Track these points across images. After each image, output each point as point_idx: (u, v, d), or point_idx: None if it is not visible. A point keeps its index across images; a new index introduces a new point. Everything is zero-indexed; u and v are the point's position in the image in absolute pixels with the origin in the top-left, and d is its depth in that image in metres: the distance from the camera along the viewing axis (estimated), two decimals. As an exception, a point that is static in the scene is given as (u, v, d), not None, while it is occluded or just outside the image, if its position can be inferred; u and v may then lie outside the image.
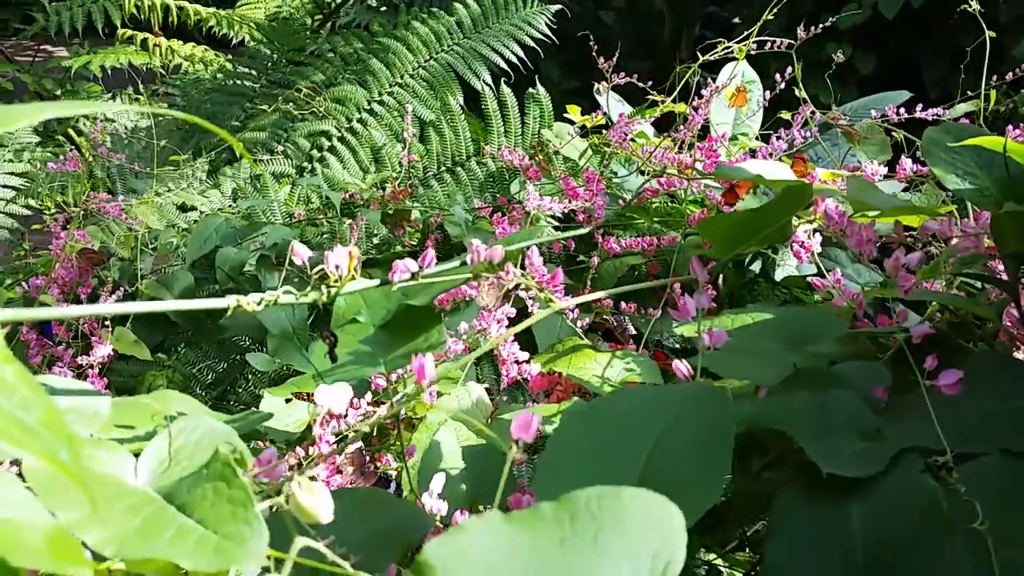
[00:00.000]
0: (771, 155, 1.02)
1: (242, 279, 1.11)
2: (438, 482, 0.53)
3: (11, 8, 4.51)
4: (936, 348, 0.49)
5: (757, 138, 1.28)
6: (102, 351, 0.90)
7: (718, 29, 3.38)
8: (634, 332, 0.90)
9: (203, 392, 1.22)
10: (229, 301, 0.41)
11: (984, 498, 0.39)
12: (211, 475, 0.30)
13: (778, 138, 1.05)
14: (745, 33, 1.10)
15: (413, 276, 0.48)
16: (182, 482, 0.31)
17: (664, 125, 1.15)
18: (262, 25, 2.20)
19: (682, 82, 1.14)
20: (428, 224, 1.22)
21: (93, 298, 1.08)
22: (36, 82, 2.50)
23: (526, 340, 0.79)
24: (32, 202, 1.79)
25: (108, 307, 0.38)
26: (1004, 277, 0.57)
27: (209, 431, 0.34)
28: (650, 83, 1.21)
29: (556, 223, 1.13)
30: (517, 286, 0.53)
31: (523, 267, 0.58)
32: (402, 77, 1.78)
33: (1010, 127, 0.90)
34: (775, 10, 1.04)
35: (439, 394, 0.67)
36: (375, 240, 1.27)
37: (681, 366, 0.49)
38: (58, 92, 2.51)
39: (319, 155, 1.71)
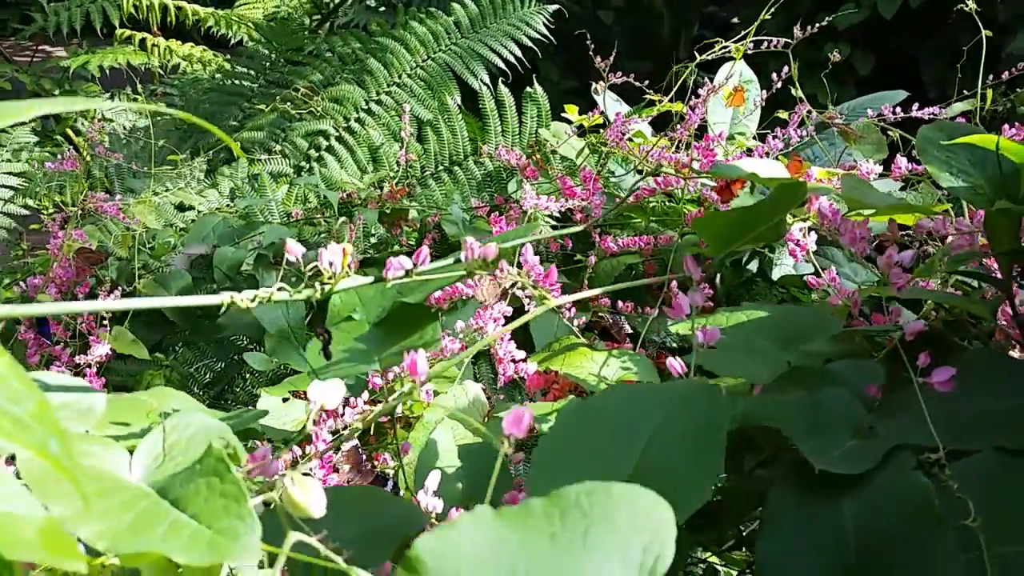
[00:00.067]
0: (767, 154, 1.02)
1: (239, 278, 1.11)
2: (433, 480, 0.53)
3: (10, 8, 4.51)
4: (931, 346, 0.49)
5: (754, 137, 1.28)
6: (100, 350, 0.90)
7: (717, 29, 3.38)
8: (630, 331, 0.90)
9: (201, 391, 1.22)
10: (223, 298, 0.41)
11: (976, 495, 0.40)
12: (204, 470, 0.30)
13: (774, 137, 1.05)
14: (742, 33, 1.10)
15: (407, 273, 0.48)
16: (176, 477, 0.31)
17: (662, 124, 1.16)
18: (260, 25, 2.20)
19: (679, 82, 1.14)
20: (425, 223, 1.22)
21: (91, 297, 1.08)
22: (34, 82, 2.50)
23: (523, 339, 0.79)
24: (30, 202, 1.79)
25: (104, 303, 0.38)
26: (998, 275, 0.57)
27: (203, 427, 0.34)
28: (647, 82, 1.21)
29: (554, 222, 1.13)
30: (514, 284, 0.53)
31: (519, 265, 0.58)
32: (400, 77, 1.78)
33: (1006, 126, 0.90)
34: (774, 10, 1.04)
35: (436, 393, 0.67)
36: (372, 239, 1.28)
37: (675, 363, 0.49)
38: (56, 92, 2.51)
39: (317, 155, 1.71)
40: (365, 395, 0.65)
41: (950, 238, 0.60)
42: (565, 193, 1.05)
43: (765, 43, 1.12)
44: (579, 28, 1.39)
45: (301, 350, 0.75)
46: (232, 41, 2.58)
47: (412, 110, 1.64)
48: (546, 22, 1.90)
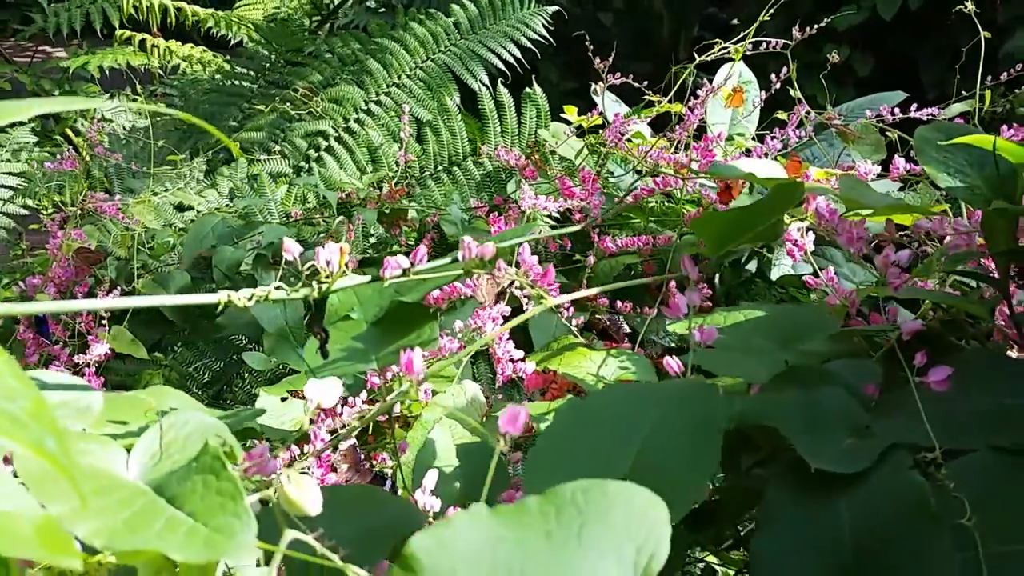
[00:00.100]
0: (766, 154, 1.02)
1: (239, 278, 1.12)
2: (431, 479, 0.53)
3: (10, 9, 4.52)
4: (928, 346, 0.49)
5: (753, 138, 1.29)
6: (99, 349, 0.90)
7: (717, 30, 3.38)
8: (629, 331, 0.90)
9: (199, 391, 1.22)
10: (220, 296, 0.41)
11: (972, 494, 0.40)
12: (200, 468, 0.30)
13: (773, 138, 1.05)
14: (742, 34, 1.10)
15: (404, 272, 0.48)
16: (172, 475, 0.31)
17: (662, 125, 1.16)
18: (260, 26, 2.20)
19: (678, 83, 1.14)
20: (424, 224, 1.22)
21: (90, 297, 1.08)
22: (34, 82, 2.50)
23: (522, 339, 0.79)
24: (29, 202, 1.79)
25: (103, 302, 0.38)
26: (996, 275, 0.57)
27: (200, 425, 0.34)
28: (646, 83, 1.21)
29: (553, 223, 1.13)
30: (512, 283, 0.53)
31: (517, 265, 0.58)
32: (399, 78, 1.78)
33: (1004, 127, 0.91)
34: (774, 11, 1.04)
35: (434, 392, 0.67)
36: (372, 240, 1.28)
37: (672, 362, 0.50)
38: (56, 92, 2.51)
39: (316, 155, 1.71)
40: (363, 395, 0.65)
41: (948, 238, 0.60)
42: (564, 193, 1.05)
43: (765, 44, 1.12)
44: (579, 29, 1.39)
45: (299, 350, 0.75)
46: (232, 42, 2.59)
47: (411, 111, 1.65)
48: (545, 23, 1.90)
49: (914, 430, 0.44)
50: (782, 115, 1.17)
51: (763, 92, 1.23)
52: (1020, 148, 0.51)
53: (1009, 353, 0.58)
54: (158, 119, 1.94)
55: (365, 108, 1.75)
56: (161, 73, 2.52)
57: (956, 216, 0.65)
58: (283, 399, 0.72)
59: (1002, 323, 0.58)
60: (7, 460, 0.35)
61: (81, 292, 1.08)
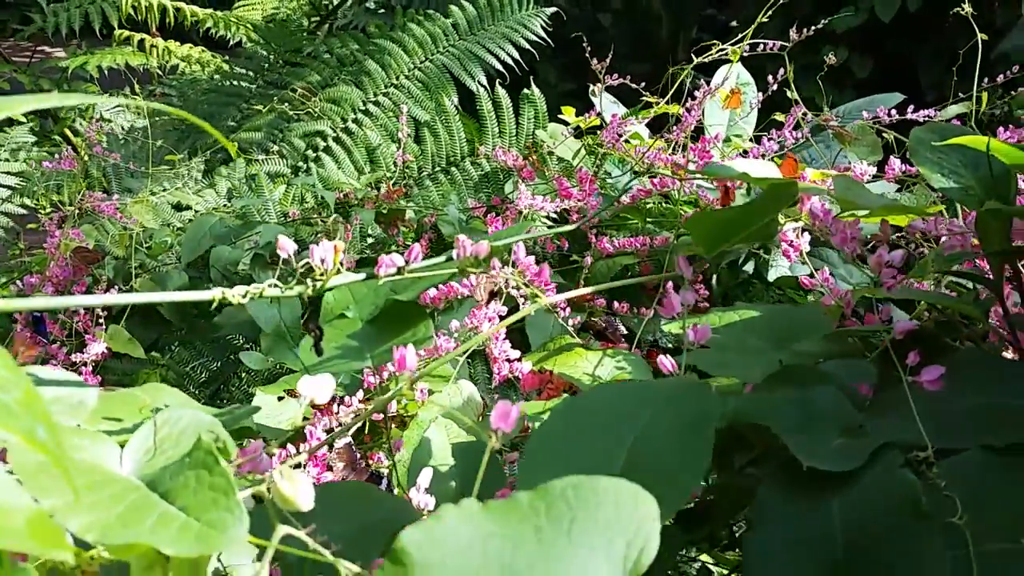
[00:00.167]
0: (763, 156, 1.02)
1: (236, 278, 1.12)
2: (425, 477, 0.53)
3: (9, 9, 4.52)
4: (922, 346, 0.49)
5: (751, 140, 1.29)
6: (96, 348, 0.91)
7: (715, 32, 3.38)
8: (626, 332, 0.91)
9: (196, 390, 1.22)
10: (215, 293, 0.41)
11: (964, 493, 0.40)
12: (193, 463, 0.30)
13: (769, 139, 1.05)
14: (740, 35, 1.10)
15: (399, 271, 0.48)
16: (166, 470, 0.31)
17: (660, 127, 1.16)
18: (259, 26, 2.20)
19: (676, 84, 1.14)
20: (422, 224, 1.22)
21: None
22: (33, 82, 2.50)
23: (519, 340, 0.79)
24: (28, 201, 1.79)
25: (99, 298, 0.38)
26: (990, 276, 0.58)
27: (194, 422, 0.34)
28: (643, 84, 1.21)
29: (551, 223, 1.13)
30: (507, 282, 0.53)
31: (513, 264, 0.58)
32: (398, 78, 1.79)
33: (1001, 129, 0.91)
34: (772, 13, 1.04)
35: (431, 392, 0.67)
36: (369, 240, 1.28)
37: (665, 361, 0.50)
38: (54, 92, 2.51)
39: (314, 155, 1.71)
40: (360, 394, 0.65)
41: (943, 239, 0.61)
42: (561, 194, 1.05)
43: (762, 46, 1.12)
44: (577, 31, 1.39)
45: (296, 349, 0.75)
46: (231, 42, 2.59)
47: (410, 111, 1.65)
48: (544, 25, 1.90)
49: (906, 429, 0.44)
50: (780, 117, 1.17)
51: (761, 94, 1.23)
52: (1014, 149, 0.52)
53: (1004, 354, 0.58)
54: (156, 119, 1.94)
55: (363, 108, 1.75)
56: (160, 73, 2.52)
57: (952, 217, 0.65)
58: (279, 398, 0.72)
59: (996, 324, 0.58)
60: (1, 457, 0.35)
61: (79, 291, 1.08)
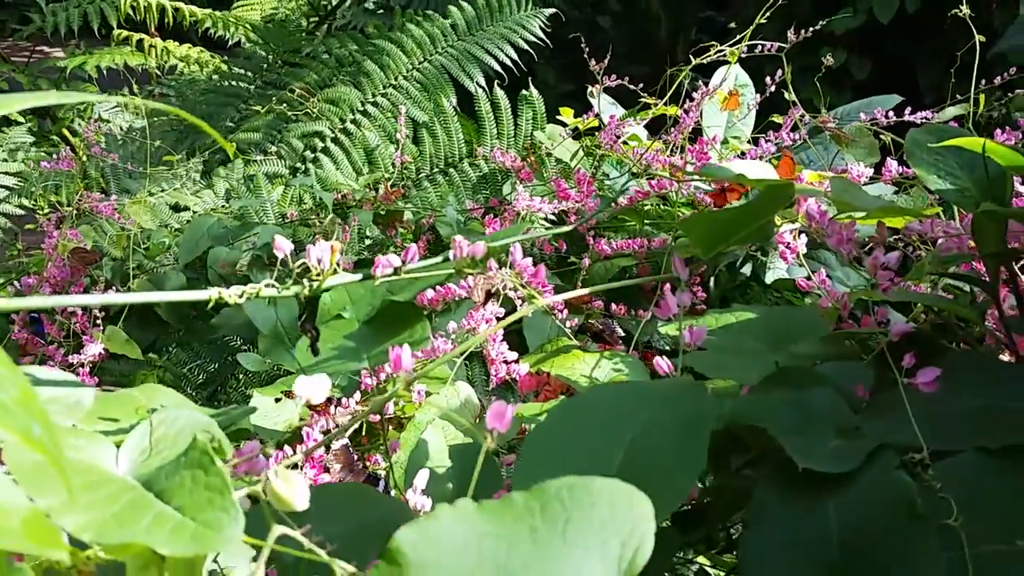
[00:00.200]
0: (761, 157, 1.03)
1: (234, 279, 1.12)
2: (422, 478, 0.53)
3: (8, 9, 4.51)
4: (918, 348, 0.50)
5: (749, 141, 1.29)
6: (93, 349, 0.91)
7: (714, 33, 3.38)
8: (623, 334, 0.91)
9: (194, 392, 1.22)
10: (212, 293, 0.41)
11: (959, 495, 0.40)
12: (189, 463, 0.30)
13: (767, 141, 1.05)
14: (738, 37, 1.10)
15: (396, 271, 0.48)
16: (161, 470, 0.31)
17: (658, 128, 1.16)
18: (258, 27, 2.20)
19: (674, 85, 1.14)
20: (420, 225, 1.22)
21: (85, 298, 1.08)
22: (31, 82, 2.50)
23: (517, 342, 0.79)
24: (26, 201, 1.79)
25: (96, 298, 0.38)
26: (987, 278, 0.58)
27: (190, 422, 0.34)
28: (641, 86, 1.22)
29: (549, 225, 1.13)
30: (504, 284, 0.54)
31: (511, 266, 0.58)
32: (396, 79, 1.79)
33: (998, 131, 0.91)
34: (772, 14, 1.05)
35: (428, 394, 0.67)
36: (367, 241, 1.28)
37: (662, 363, 0.50)
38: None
39: (312, 156, 1.71)
40: (357, 395, 0.65)
41: (940, 240, 0.61)
42: (559, 195, 1.05)
43: (762, 47, 1.13)
44: (576, 32, 1.39)
45: (294, 351, 0.75)
46: (229, 42, 2.59)
47: (408, 112, 1.65)
48: (542, 26, 1.90)
49: (902, 431, 0.44)
50: (778, 118, 1.18)
51: (759, 95, 1.23)
52: (1010, 151, 0.52)
53: (1001, 357, 0.58)
54: (155, 119, 1.94)
55: (362, 109, 1.75)
56: (158, 73, 2.53)
57: (948, 219, 0.66)
58: (277, 400, 0.72)
59: (993, 327, 0.58)
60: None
61: (76, 292, 1.08)
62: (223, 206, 1.48)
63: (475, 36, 1.86)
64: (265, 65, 2.03)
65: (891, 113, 1.07)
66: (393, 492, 0.64)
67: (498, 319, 0.68)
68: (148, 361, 1.17)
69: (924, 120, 1.06)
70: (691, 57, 1.10)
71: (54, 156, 1.40)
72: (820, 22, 1.20)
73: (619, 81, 1.21)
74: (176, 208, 1.47)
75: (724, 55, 1.10)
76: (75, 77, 2.68)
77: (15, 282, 1.10)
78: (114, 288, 1.11)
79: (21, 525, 0.24)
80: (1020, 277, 0.56)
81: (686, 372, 0.53)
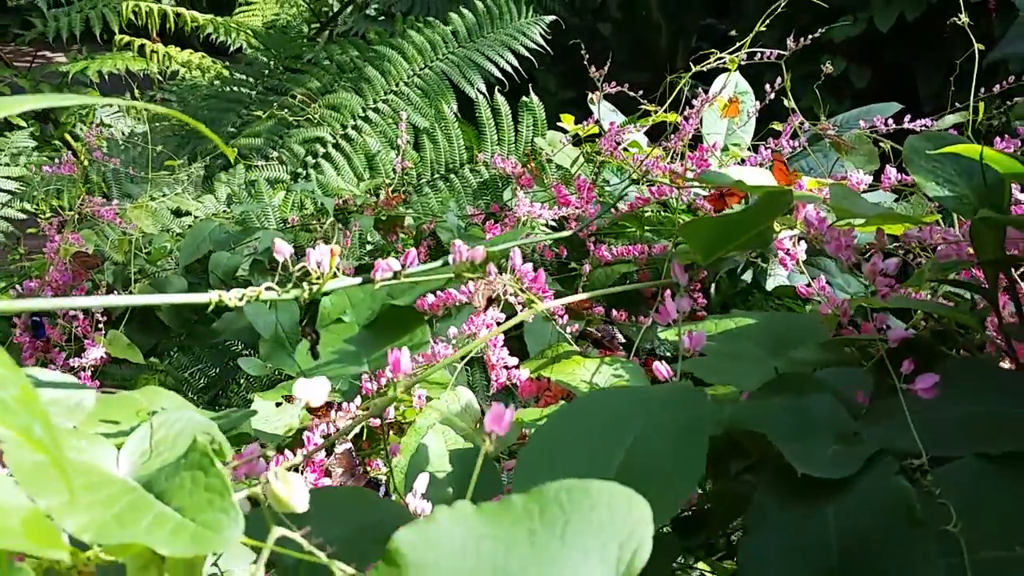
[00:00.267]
0: (760, 164, 1.03)
1: (235, 284, 1.12)
2: (422, 482, 0.53)
3: (10, 14, 4.53)
4: (917, 354, 0.50)
5: (749, 148, 1.29)
6: (94, 353, 0.91)
7: (715, 41, 3.39)
8: (624, 340, 0.91)
9: (195, 396, 1.23)
10: (212, 296, 0.41)
11: (958, 500, 0.40)
12: (189, 464, 0.30)
13: (766, 148, 1.06)
14: (738, 44, 1.11)
15: (395, 275, 0.49)
16: (161, 472, 0.31)
17: (659, 135, 1.16)
18: (259, 32, 2.21)
19: (675, 92, 1.15)
20: (421, 231, 1.23)
21: (86, 302, 1.09)
22: (33, 87, 2.51)
23: (518, 347, 0.79)
24: (27, 206, 1.80)
25: (97, 300, 0.38)
26: (986, 285, 0.58)
27: (190, 424, 0.34)
28: (641, 93, 1.22)
29: (549, 231, 1.14)
30: (505, 289, 0.54)
31: (511, 271, 0.59)
32: (397, 85, 1.79)
33: (998, 139, 0.91)
34: (772, 22, 1.05)
35: (428, 398, 0.67)
36: (368, 247, 1.28)
37: (661, 367, 0.50)
38: (55, 97, 2.51)
39: (314, 161, 1.72)
40: (358, 400, 0.66)
41: (939, 247, 0.61)
42: (560, 201, 1.06)
43: (763, 55, 1.13)
44: (576, 39, 1.40)
45: (294, 355, 0.75)
46: (231, 48, 2.59)
47: (409, 118, 1.65)
48: (543, 33, 1.91)
49: (901, 437, 0.44)
50: (778, 126, 1.18)
51: (759, 103, 1.24)
52: (1007, 158, 0.52)
53: (1001, 364, 0.58)
54: (157, 124, 1.94)
55: (363, 115, 1.76)
56: (160, 78, 2.53)
57: (948, 226, 0.66)
58: (278, 404, 0.72)
59: (993, 334, 0.58)
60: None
61: (78, 296, 1.08)
62: (224, 211, 1.48)
63: (476, 43, 1.86)
64: (266, 71, 2.04)
65: (890, 121, 1.07)
66: (393, 496, 0.64)
67: (498, 324, 0.68)
68: (149, 365, 1.17)
69: (923, 128, 1.06)
70: (691, 64, 1.10)
71: (56, 161, 1.40)
72: (820, 30, 1.20)
73: (619, 88, 1.22)
74: (178, 213, 1.47)
75: (724, 62, 1.10)
76: (77, 82, 2.68)
77: (17, 286, 1.11)
78: (116, 292, 1.11)
79: (22, 525, 0.25)
80: (1019, 284, 0.56)
81: (686, 377, 0.53)
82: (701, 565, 0.77)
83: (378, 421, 0.63)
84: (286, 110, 1.77)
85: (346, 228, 1.19)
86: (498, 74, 1.83)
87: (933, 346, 0.55)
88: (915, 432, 0.44)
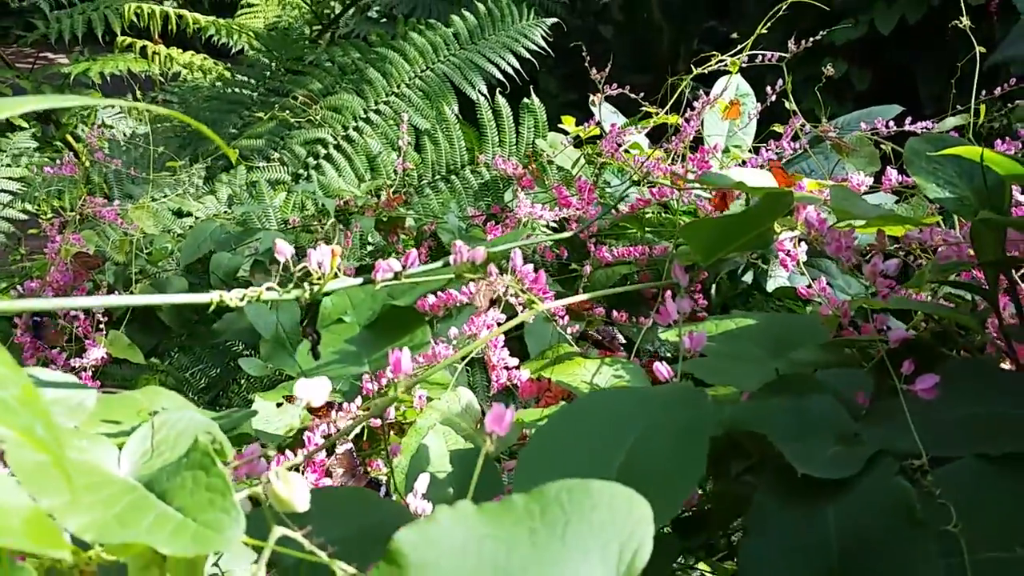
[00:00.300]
0: (761, 166, 1.03)
1: (236, 284, 1.12)
2: (423, 482, 0.53)
3: (13, 15, 4.53)
4: (917, 355, 0.50)
5: (750, 150, 1.29)
6: (95, 353, 0.91)
7: (716, 43, 3.39)
8: (624, 341, 0.91)
9: (196, 397, 1.23)
10: (213, 296, 0.41)
11: (958, 501, 0.40)
12: (190, 464, 0.30)
13: (767, 150, 1.06)
14: (739, 47, 1.11)
15: (396, 276, 0.49)
16: (163, 471, 0.31)
17: (660, 137, 1.16)
18: (261, 34, 2.21)
19: (676, 94, 1.15)
20: (422, 232, 1.23)
21: (87, 303, 1.09)
22: (35, 88, 2.51)
23: (518, 348, 0.79)
24: (29, 206, 1.80)
25: (98, 300, 0.38)
26: (986, 287, 0.58)
27: (191, 424, 0.34)
28: (642, 95, 1.22)
29: (550, 232, 1.14)
30: (506, 289, 0.54)
31: (512, 272, 0.59)
32: (399, 87, 1.79)
33: (999, 141, 0.91)
34: (773, 25, 1.05)
35: (429, 399, 0.67)
36: (369, 248, 1.28)
37: (662, 368, 0.50)
38: (57, 98, 2.51)
39: (315, 163, 1.72)
40: (358, 400, 0.66)
41: (939, 249, 0.61)
42: (561, 203, 1.06)
43: (764, 57, 1.13)
44: (578, 41, 1.40)
45: (295, 356, 0.76)
46: (233, 50, 2.60)
47: (410, 120, 1.65)
48: (544, 35, 1.91)
49: (902, 438, 0.44)
50: (779, 128, 1.18)
51: (760, 105, 1.24)
52: (1007, 160, 0.52)
53: (1002, 365, 0.58)
54: (158, 126, 1.94)
55: (364, 117, 1.76)
56: (162, 80, 2.54)
57: (948, 228, 0.66)
58: (278, 405, 0.72)
59: (993, 335, 0.58)
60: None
61: (79, 296, 1.08)
62: (226, 212, 1.48)
63: (477, 45, 1.86)
64: (268, 72, 2.04)
65: (891, 123, 1.07)
66: (394, 496, 0.64)
67: (499, 325, 0.68)
68: (150, 366, 1.17)
69: (924, 130, 1.06)
70: (692, 67, 1.10)
71: (57, 161, 1.41)
72: (821, 32, 1.20)
73: (620, 90, 1.22)
74: (179, 214, 1.48)
75: (725, 65, 1.10)
76: (79, 83, 2.69)
77: (18, 286, 1.11)
78: (117, 292, 1.11)
79: (23, 524, 0.25)
80: (1019, 285, 0.56)
81: (686, 378, 0.53)
82: (701, 566, 0.77)
83: (379, 421, 0.63)
84: (287, 112, 1.77)
85: (347, 229, 1.19)
86: (499, 76, 1.83)
87: (933, 347, 0.55)
88: (915, 433, 0.44)
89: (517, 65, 1.86)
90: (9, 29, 4.21)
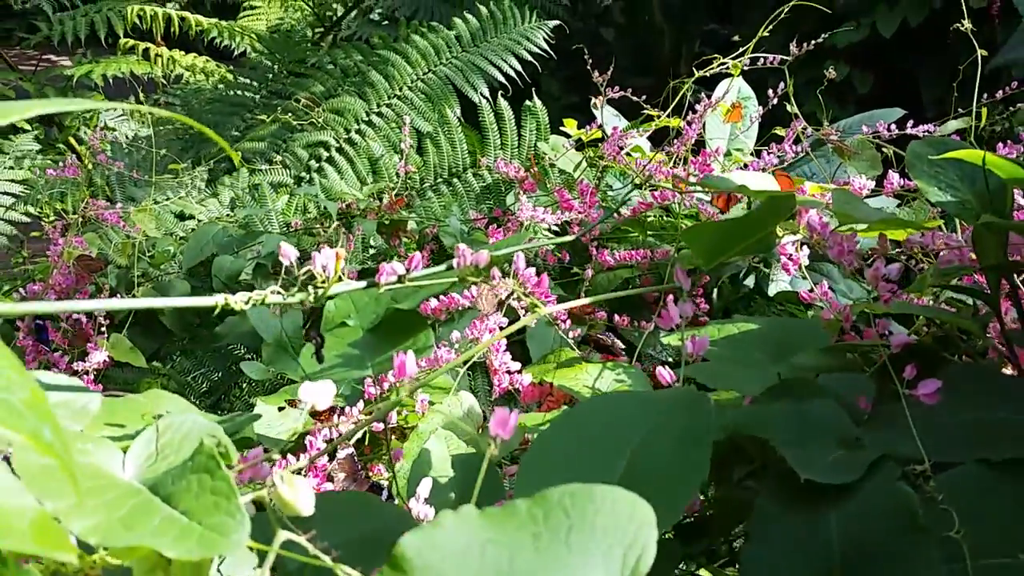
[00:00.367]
0: (763, 169, 1.03)
1: (238, 287, 1.12)
2: (425, 487, 0.53)
3: (16, 17, 4.54)
4: (920, 361, 0.50)
5: (752, 153, 1.29)
6: (97, 357, 0.91)
7: (717, 46, 3.39)
8: (624, 346, 0.91)
9: (197, 400, 1.23)
10: (217, 299, 0.41)
11: (961, 506, 0.40)
12: (195, 467, 0.31)
13: (769, 153, 1.06)
14: (741, 50, 1.11)
15: (400, 279, 0.49)
16: (168, 474, 0.32)
17: (662, 140, 1.16)
18: (263, 37, 2.22)
19: (677, 97, 1.15)
20: (424, 235, 1.23)
21: (90, 305, 1.09)
22: (38, 90, 2.51)
23: (520, 352, 0.79)
24: (31, 209, 1.80)
25: (100, 303, 0.38)
26: (988, 291, 0.58)
27: (196, 427, 0.34)
28: (644, 98, 1.22)
29: (552, 236, 1.14)
30: (509, 293, 0.54)
31: (514, 275, 0.59)
32: (401, 89, 1.79)
33: (1000, 144, 0.91)
34: (775, 28, 1.05)
35: (431, 403, 0.67)
36: (371, 251, 1.28)
37: (664, 373, 0.50)
38: (59, 101, 2.51)
39: (317, 165, 1.72)
40: (360, 404, 0.66)
41: (941, 253, 0.61)
42: (563, 206, 1.06)
43: (766, 60, 1.13)
44: (579, 44, 1.40)
45: (297, 359, 0.76)
46: (235, 52, 2.60)
47: (412, 122, 1.66)
48: (546, 37, 1.91)
49: (904, 443, 0.44)
50: (780, 131, 1.18)
51: (762, 108, 1.24)
52: (1009, 163, 0.52)
53: (1004, 370, 0.58)
54: (160, 128, 1.95)
55: (366, 119, 1.76)
56: (164, 82, 2.54)
57: (950, 232, 0.66)
58: (281, 409, 0.72)
59: (994, 339, 0.58)
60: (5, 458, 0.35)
61: (81, 299, 1.09)
62: (228, 215, 1.49)
63: (479, 48, 1.87)
64: (270, 75, 2.05)
65: (893, 126, 1.07)
66: (396, 501, 0.64)
67: (501, 328, 0.68)
68: (152, 369, 1.17)
69: (926, 133, 1.06)
70: (694, 69, 1.10)
71: (60, 164, 1.41)
72: (823, 35, 1.20)
73: (622, 93, 1.22)
74: (181, 216, 1.48)
75: (727, 68, 1.10)
76: (82, 85, 2.69)
77: (20, 289, 1.11)
78: (119, 295, 1.11)
79: (29, 527, 0.25)
80: (1021, 289, 0.56)
81: (688, 383, 0.53)
82: (703, 572, 0.77)
83: (381, 426, 0.63)
84: (290, 114, 1.77)
85: (349, 232, 1.19)
86: (501, 79, 1.83)
87: (935, 352, 0.55)
88: (917, 438, 0.44)
89: (519, 68, 1.86)
90: (12, 31, 4.22)
